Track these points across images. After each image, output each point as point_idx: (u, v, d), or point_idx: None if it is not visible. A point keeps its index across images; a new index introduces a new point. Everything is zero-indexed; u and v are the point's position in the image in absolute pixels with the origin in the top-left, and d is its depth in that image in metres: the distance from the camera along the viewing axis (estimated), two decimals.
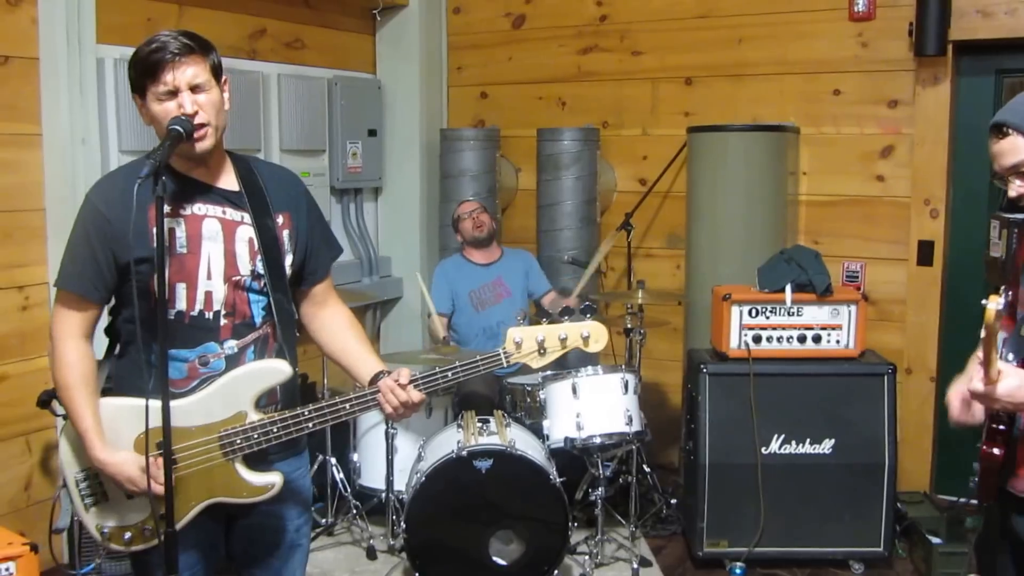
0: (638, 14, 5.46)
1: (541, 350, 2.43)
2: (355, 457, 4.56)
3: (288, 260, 2.42)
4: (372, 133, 5.62)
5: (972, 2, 4.62)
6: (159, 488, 2.20)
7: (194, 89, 2.23)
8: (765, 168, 4.83)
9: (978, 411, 2.43)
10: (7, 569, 3.01)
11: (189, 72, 2.22)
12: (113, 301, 2.39)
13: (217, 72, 2.31)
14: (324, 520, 4.57)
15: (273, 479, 2.37)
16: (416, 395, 2.36)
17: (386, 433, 4.33)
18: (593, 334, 2.45)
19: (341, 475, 4.61)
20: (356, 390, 2.39)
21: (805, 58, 5.07)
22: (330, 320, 2.56)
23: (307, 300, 2.55)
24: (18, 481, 4.07)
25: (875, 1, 4.89)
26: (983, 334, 2.12)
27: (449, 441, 4.02)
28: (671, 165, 5.20)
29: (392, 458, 4.34)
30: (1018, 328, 2.40)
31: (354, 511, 4.55)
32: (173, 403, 2.20)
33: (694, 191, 4.95)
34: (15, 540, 3.12)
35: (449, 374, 2.40)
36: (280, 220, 2.41)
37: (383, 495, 4.42)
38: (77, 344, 2.33)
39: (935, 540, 4.11)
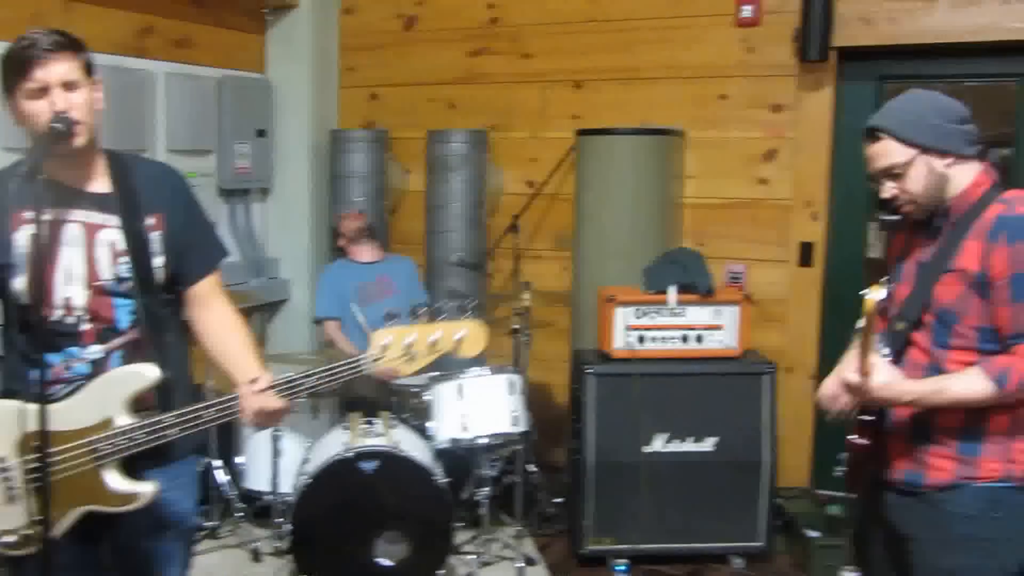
0: (529, 17, 5.48)
1: (410, 354, 2.29)
2: (240, 459, 4.49)
3: (159, 262, 2.36)
4: (261, 133, 5.54)
5: (855, 10, 4.74)
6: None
7: (66, 87, 2.20)
8: (652, 171, 4.88)
9: (846, 400, 2.51)
10: None
11: (60, 69, 2.19)
12: None
13: (89, 70, 2.27)
14: (209, 523, 4.49)
15: (143, 488, 2.30)
16: (274, 402, 2.29)
17: (272, 435, 4.28)
18: (469, 336, 2.31)
19: (228, 478, 4.53)
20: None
21: (692, 63, 5.14)
22: (213, 322, 2.49)
23: (189, 302, 2.49)
24: None
25: (761, 7, 4.97)
26: (862, 323, 2.20)
27: (335, 442, 4.00)
28: (559, 168, 5.23)
29: (278, 460, 4.28)
30: (892, 324, 2.48)
31: (239, 514, 4.48)
32: (36, 406, 2.16)
33: (582, 193, 4.98)
34: None
35: (309, 381, 2.31)
36: (151, 221, 2.36)
37: (268, 497, 4.35)
38: None
39: (812, 534, 4.21)
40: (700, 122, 5.14)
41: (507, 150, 5.57)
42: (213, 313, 2.49)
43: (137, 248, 2.32)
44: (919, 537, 2.45)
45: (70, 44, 2.23)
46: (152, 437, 2.26)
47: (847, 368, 2.42)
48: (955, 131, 2.39)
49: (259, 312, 5.69)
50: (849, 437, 2.53)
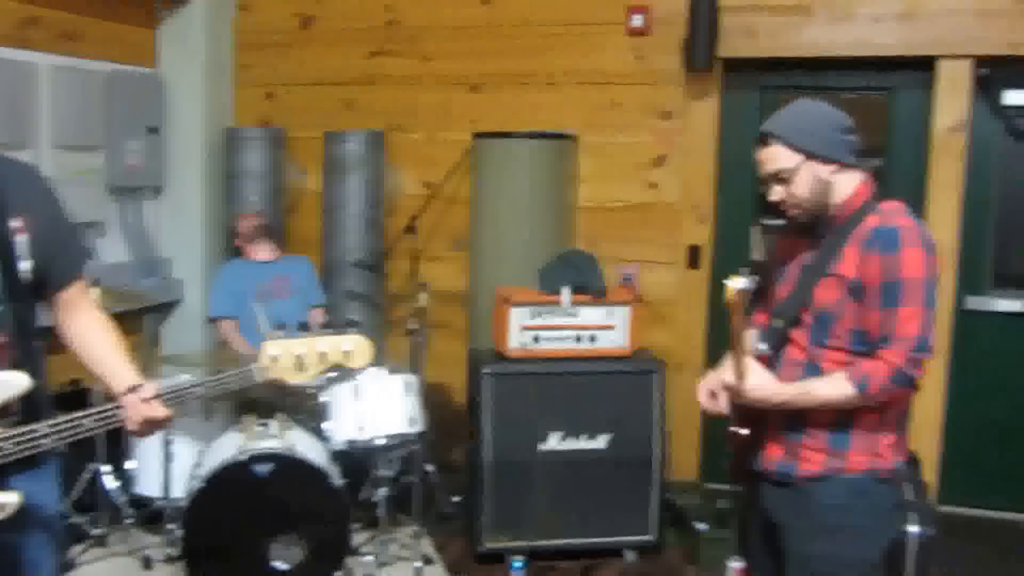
0: (428, 20, 5.52)
1: (299, 366, 2.34)
2: (130, 464, 4.41)
3: (26, 266, 2.26)
4: (153, 130, 5.44)
5: (738, 22, 4.91)
6: None
7: None
8: (546, 174, 4.98)
9: (723, 400, 2.64)
10: None
11: None
12: None
13: None
14: (96, 531, 4.39)
15: (7, 499, 2.18)
16: (160, 411, 2.25)
17: (163, 439, 4.22)
18: (356, 349, 2.38)
19: (117, 483, 4.45)
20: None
21: (586, 69, 5.26)
22: (83, 329, 2.40)
23: (56, 307, 2.39)
24: None
25: (650, 17, 5.12)
26: (736, 324, 2.32)
27: (229, 445, 3.96)
28: (457, 170, 5.28)
29: (170, 464, 4.23)
30: (772, 321, 2.61)
31: (129, 520, 4.40)
32: None
33: (479, 196, 5.05)
34: None
35: (198, 390, 2.30)
36: (16, 224, 2.24)
37: (160, 502, 4.29)
38: None
39: (701, 526, 4.35)
40: (593, 127, 5.26)
41: (405, 152, 5.60)
42: (83, 318, 2.41)
43: (3, 251, 2.22)
44: (790, 525, 2.58)
45: None
46: (23, 447, 2.17)
47: (725, 370, 2.54)
48: (840, 140, 2.52)
49: (152, 313, 5.59)
50: (730, 428, 2.65)
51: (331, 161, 5.38)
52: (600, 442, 4.31)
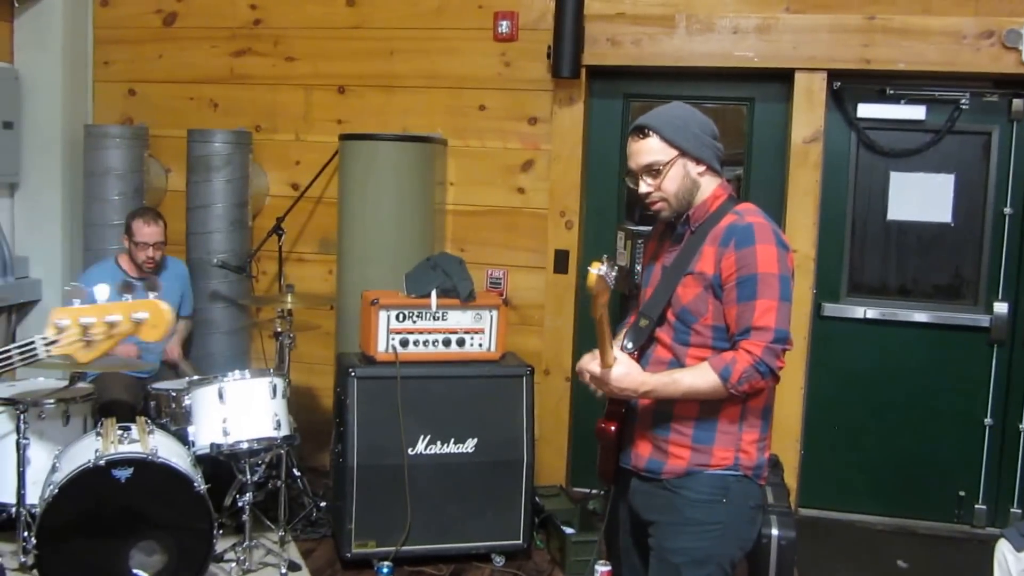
0: (292, 20, 5.48)
1: (86, 338, 2.08)
2: None
3: None
4: (8, 126, 5.25)
5: (603, 31, 5.02)
6: None
7: None
8: (414, 177, 4.99)
9: (593, 389, 2.69)
10: None
11: None
12: None
13: None
14: None
15: None
16: None
17: (17, 443, 4.07)
18: (152, 318, 2.11)
19: None
20: None
21: (453, 73, 5.30)
22: None
23: None
24: None
25: (517, 24, 5.18)
26: (596, 313, 2.38)
27: (86, 450, 3.85)
28: (323, 171, 5.25)
29: (24, 470, 4.07)
30: (637, 321, 2.69)
31: None
32: None
33: (345, 197, 5.02)
34: None
35: None
36: None
37: (13, 510, 4.14)
38: None
39: (568, 530, 4.41)
40: (460, 131, 5.30)
41: (271, 152, 5.54)
42: None
43: None
44: (657, 521, 2.65)
45: None
46: None
47: (591, 359, 2.60)
48: (710, 144, 2.64)
49: (6, 313, 5.38)
50: (600, 423, 2.72)
51: (195, 160, 5.27)
52: (468, 446, 4.34)
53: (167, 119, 5.60)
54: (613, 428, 2.70)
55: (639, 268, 3.80)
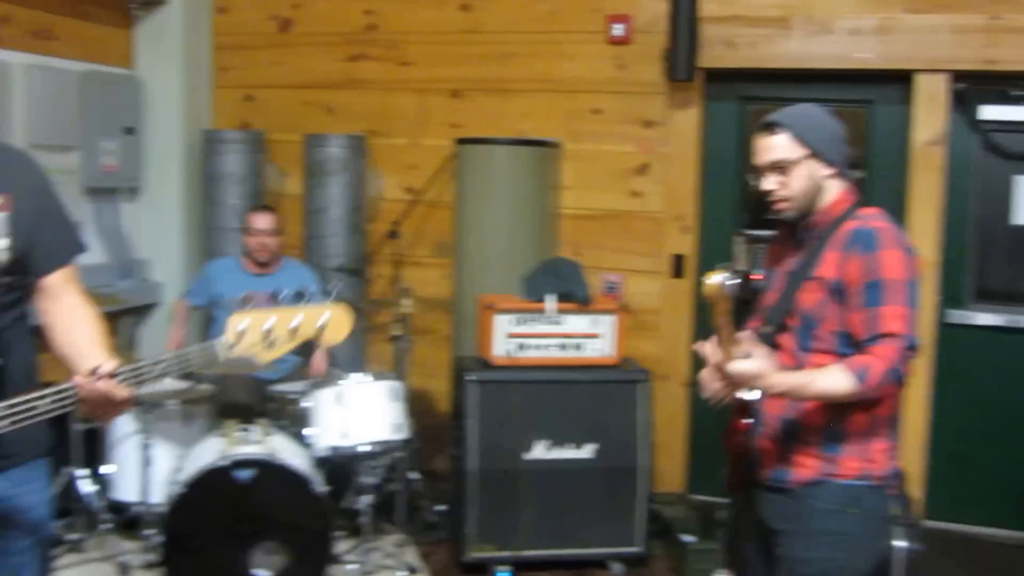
0: (407, 25, 5.49)
1: (268, 341, 2.11)
2: (108, 469, 4.33)
3: (4, 244, 2.19)
4: (130, 131, 5.36)
5: (718, 33, 4.93)
6: None
7: None
8: (529, 181, 4.97)
9: (719, 388, 2.62)
10: None
11: None
12: None
13: None
14: (72, 536, 4.30)
15: None
16: (117, 390, 2.05)
17: (142, 443, 4.15)
18: (333, 322, 2.15)
19: (94, 488, 4.36)
20: None
21: (567, 77, 5.25)
22: (62, 315, 2.28)
23: (40, 294, 2.30)
24: None
25: (632, 27, 5.12)
26: (718, 321, 2.32)
27: (209, 451, 3.92)
28: (438, 175, 5.25)
29: (148, 469, 4.15)
30: (761, 327, 2.63)
31: (106, 526, 4.31)
32: None
33: (461, 202, 5.02)
34: None
35: (158, 367, 2.09)
36: None
37: (138, 508, 4.21)
38: None
39: (688, 539, 4.33)
40: (575, 135, 5.25)
41: (386, 156, 5.56)
42: (62, 305, 2.30)
43: None
44: (785, 530, 2.59)
45: None
46: None
47: (712, 352, 2.53)
48: (840, 148, 2.58)
49: (129, 315, 5.51)
50: (729, 431, 2.66)
51: (312, 165, 5.34)
52: (586, 451, 4.29)
53: (283, 124, 5.67)
54: (743, 436, 2.64)
55: (759, 273, 3.73)
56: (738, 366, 2.37)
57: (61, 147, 4.98)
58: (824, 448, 2.52)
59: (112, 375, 2.06)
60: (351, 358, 5.25)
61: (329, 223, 5.28)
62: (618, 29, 5.15)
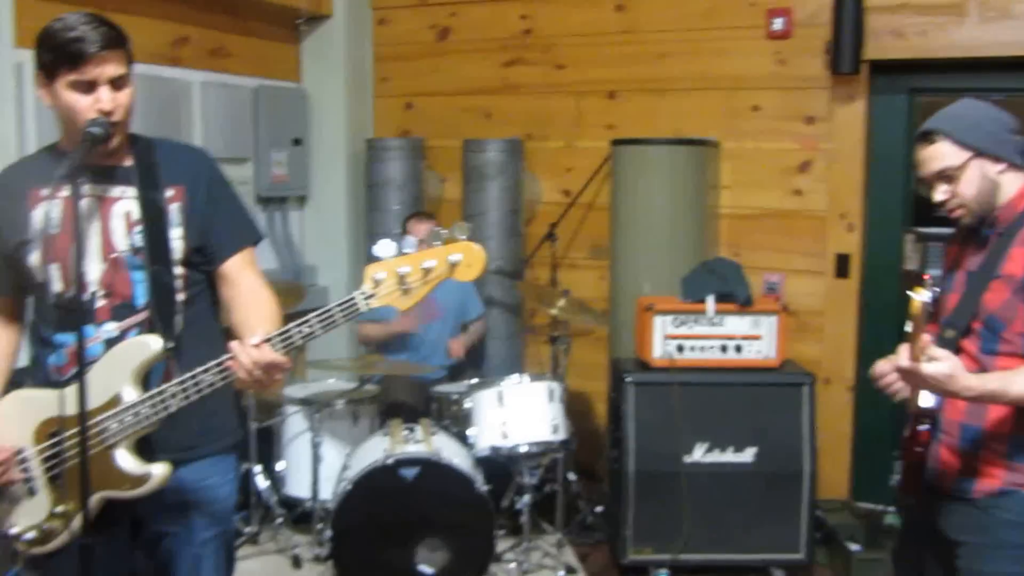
0: (562, 28, 5.52)
1: (404, 286, 2.11)
2: (280, 465, 4.52)
3: (177, 233, 2.30)
4: (297, 142, 5.59)
5: (886, 23, 4.76)
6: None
7: (113, 84, 2.18)
8: (687, 181, 4.91)
9: (899, 387, 2.52)
10: None
11: (111, 67, 2.16)
12: None
13: (131, 65, 2.25)
14: (248, 529, 4.51)
15: (153, 468, 2.20)
16: (270, 355, 2.10)
17: (311, 441, 4.31)
18: (466, 258, 2.12)
19: (267, 483, 4.56)
20: None
21: (725, 74, 5.17)
22: (239, 298, 2.36)
23: (220, 281, 2.39)
24: None
25: (792, 20, 5.00)
26: (910, 327, 2.21)
27: (375, 449, 4.03)
28: (595, 177, 5.26)
29: (318, 466, 4.31)
30: (942, 331, 2.50)
31: (279, 520, 4.50)
32: (54, 392, 2.16)
33: (618, 203, 5.01)
34: None
35: (305, 328, 2.14)
36: (170, 193, 2.30)
37: (309, 503, 4.38)
38: None
39: (854, 547, 4.21)
40: (734, 133, 5.16)
41: (542, 159, 5.61)
42: (239, 290, 2.37)
43: (152, 217, 2.26)
44: (967, 542, 2.47)
45: (120, 40, 2.19)
46: (157, 410, 2.16)
47: (902, 354, 2.43)
48: (1009, 140, 2.44)
49: (297, 319, 5.71)
50: (908, 436, 2.54)
51: (470, 169, 5.43)
52: (747, 455, 4.21)
53: (442, 130, 5.79)
54: (924, 443, 2.53)
55: (935, 274, 3.57)
56: (930, 367, 2.24)
57: (236, 159, 5.23)
58: (1011, 457, 2.40)
59: (265, 340, 2.12)
60: (509, 359, 5.31)
61: (487, 227, 5.36)
62: (778, 23, 5.03)
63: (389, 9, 5.95)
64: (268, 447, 4.58)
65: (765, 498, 4.20)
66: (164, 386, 2.17)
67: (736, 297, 4.29)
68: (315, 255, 5.82)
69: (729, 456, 4.21)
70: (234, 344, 2.13)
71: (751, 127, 5.14)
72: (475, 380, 4.46)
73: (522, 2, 5.61)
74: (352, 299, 2.13)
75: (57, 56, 2.14)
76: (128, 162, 2.30)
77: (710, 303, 4.27)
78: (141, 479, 2.20)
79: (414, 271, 2.11)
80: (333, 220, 5.78)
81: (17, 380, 2.41)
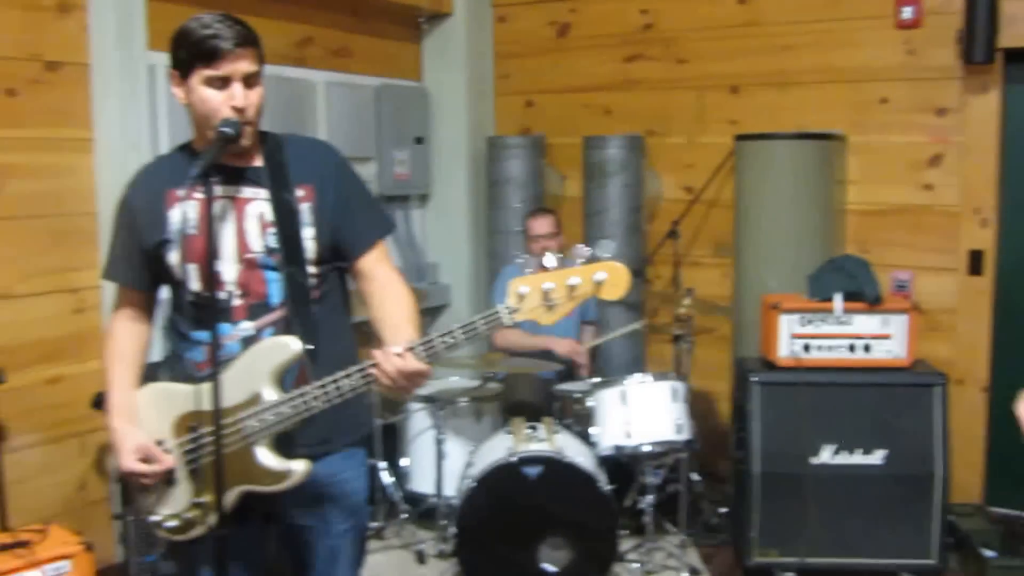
0: (683, 22, 5.47)
1: (548, 302, 2.14)
2: (405, 461, 4.60)
3: (310, 233, 2.33)
4: (419, 141, 5.66)
5: (1021, 9, 4.58)
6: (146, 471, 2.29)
7: (245, 81, 2.24)
8: (812, 177, 4.82)
9: None
10: (62, 568, 3.06)
11: (245, 64, 2.22)
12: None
13: (262, 64, 2.31)
14: (374, 524, 4.61)
15: (294, 465, 2.26)
16: (413, 363, 2.14)
17: (436, 438, 4.37)
18: (611, 277, 2.13)
19: (392, 479, 4.65)
20: None
21: (851, 66, 5.05)
22: (376, 294, 2.39)
23: (356, 276, 2.44)
24: (73, 481, 4.15)
25: (922, 8, 4.85)
26: None
27: (499, 447, 4.06)
28: (717, 173, 5.20)
29: (442, 463, 4.37)
30: None
31: (403, 515, 4.59)
32: (193, 387, 2.23)
33: (741, 199, 4.94)
34: (70, 539, 3.17)
35: (448, 338, 2.17)
36: (300, 193, 2.34)
37: (433, 500, 4.45)
38: (121, 323, 2.46)
39: (989, 553, 4.08)
40: (860, 126, 5.05)
41: (664, 155, 5.57)
42: (375, 284, 2.40)
43: (285, 219, 2.30)
44: None
45: (253, 38, 2.26)
46: (299, 411, 2.22)
47: None
48: None
49: (420, 317, 5.79)
50: None
51: (591, 166, 5.42)
52: (876, 458, 4.11)
53: (562, 127, 5.79)
54: None
55: None
56: None
57: (359, 158, 5.30)
58: None
59: (408, 349, 2.16)
60: (631, 358, 5.30)
61: (608, 224, 5.35)
62: (907, 12, 4.90)
63: (509, 6, 5.98)
64: (393, 443, 4.67)
65: (895, 502, 4.10)
66: (306, 388, 2.22)
67: (865, 295, 4.19)
68: (437, 253, 5.90)
69: (857, 458, 4.12)
70: (378, 353, 2.17)
71: (879, 120, 5.01)
72: (598, 379, 4.46)
73: None
74: (496, 312, 2.16)
75: (193, 52, 2.20)
76: (258, 162, 2.35)
77: (838, 301, 4.19)
78: (282, 475, 2.26)
79: (559, 287, 2.13)
80: (455, 218, 5.84)
81: (150, 373, 2.48)
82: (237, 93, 2.22)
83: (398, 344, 2.18)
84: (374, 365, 2.18)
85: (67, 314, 4.08)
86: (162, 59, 4.18)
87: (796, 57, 5.19)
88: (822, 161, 4.85)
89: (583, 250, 2.16)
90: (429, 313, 5.84)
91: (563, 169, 5.85)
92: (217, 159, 2.15)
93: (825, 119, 5.08)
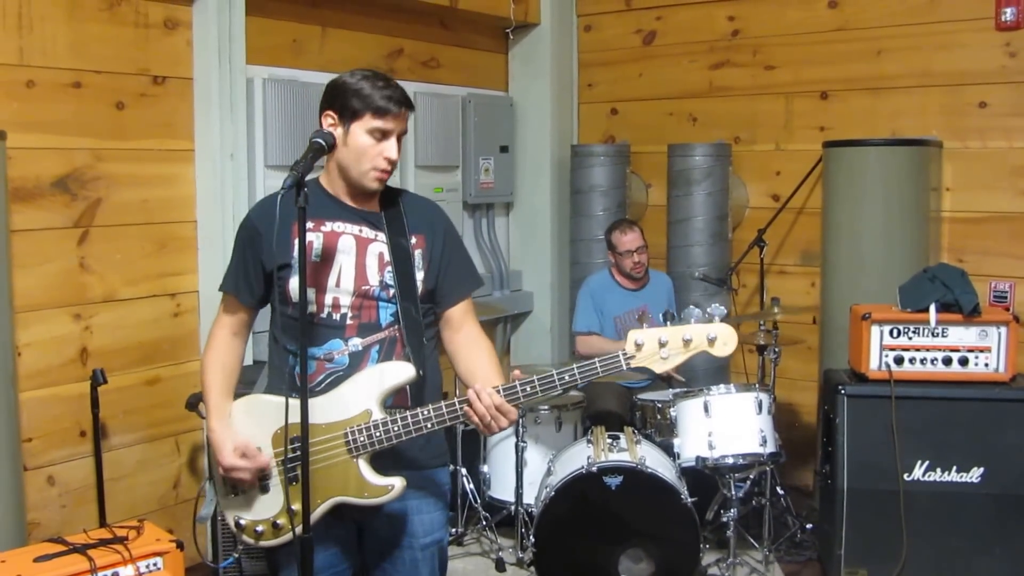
0: (772, 28, 5.38)
1: (663, 353, 2.34)
2: (485, 468, 4.58)
3: (420, 276, 2.53)
4: (504, 149, 5.68)
5: None
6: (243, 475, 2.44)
7: (398, 138, 2.46)
8: (906, 184, 4.68)
9: None
10: (155, 564, 3.11)
11: (403, 124, 2.46)
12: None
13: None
14: (454, 530, 4.60)
15: (394, 481, 2.39)
16: (505, 405, 2.34)
17: (516, 446, 4.35)
18: (721, 336, 2.33)
19: (471, 486, 4.64)
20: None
21: (948, 69, 4.91)
22: (463, 345, 2.61)
23: (443, 324, 2.62)
24: (167, 480, 4.27)
25: None
26: None
27: (579, 456, 4.02)
28: (806, 181, 5.09)
29: (522, 471, 4.35)
30: None
31: (484, 522, 4.57)
32: (295, 400, 2.30)
33: (830, 207, 4.82)
34: (163, 537, 3.21)
35: (567, 377, 2.34)
36: (414, 240, 2.54)
37: (512, 508, 4.42)
38: (223, 335, 2.63)
39: None
40: (956, 131, 4.91)
41: (750, 163, 5.48)
42: (463, 336, 2.61)
43: (401, 259, 2.50)
44: None
45: (412, 105, 2.51)
46: (407, 431, 2.37)
47: None
48: None
49: (503, 323, 5.82)
50: None
51: (675, 175, 5.36)
52: (974, 476, 3.94)
53: (647, 135, 5.75)
54: None
55: None
56: None
57: (446, 167, 5.35)
58: None
59: (524, 385, 2.36)
60: (714, 368, 5.20)
61: (693, 232, 5.28)
62: (1008, 13, 4.75)
63: (595, 15, 5.97)
64: (474, 450, 4.65)
65: (994, 522, 3.92)
66: (418, 410, 2.38)
67: (961, 306, 4.03)
68: (520, 261, 5.89)
69: (953, 476, 3.97)
70: (470, 392, 2.37)
71: (977, 125, 4.86)
72: (680, 389, 4.39)
73: (730, 3, 5.52)
74: (615, 358, 2.34)
75: (367, 104, 2.41)
76: (378, 209, 2.56)
77: (932, 312, 4.04)
78: (382, 489, 2.39)
79: (673, 341, 2.33)
80: (538, 226, 5.84)
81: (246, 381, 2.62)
82: (392, 148, 2.44)
83: (512, 374, 2.40)
84: (465, 401, 2.36)
85: (166, 318, 4.21)
86: (260, 72, 4.35)
87: (889, 61, 5.07)
88: (916, 167, 4.71)
89: (695, 311, 2.36)
90: (511, 320, 5.83)
91: (647, 177, 5.80)
92: (308, 169, 2.30)
93: (919, 125, 4.95)
